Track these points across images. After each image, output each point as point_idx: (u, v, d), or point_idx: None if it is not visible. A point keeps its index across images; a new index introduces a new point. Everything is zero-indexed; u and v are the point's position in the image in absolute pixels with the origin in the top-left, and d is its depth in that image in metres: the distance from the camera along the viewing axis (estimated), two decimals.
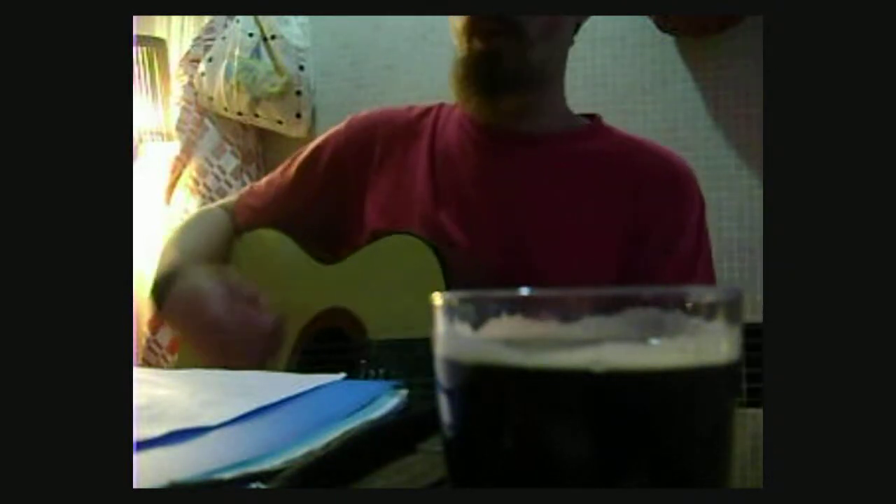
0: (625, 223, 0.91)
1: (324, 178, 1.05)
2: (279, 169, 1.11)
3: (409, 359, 0.77)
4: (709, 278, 0.94)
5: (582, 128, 0.99)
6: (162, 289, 0.92)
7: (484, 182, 0.95)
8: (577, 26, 0.99)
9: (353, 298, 0.90)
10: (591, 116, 1.01)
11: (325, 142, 1.07)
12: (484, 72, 0.89)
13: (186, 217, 1.11)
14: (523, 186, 0.94)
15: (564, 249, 0.91)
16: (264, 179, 1.13)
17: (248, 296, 0.88)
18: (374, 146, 1.03)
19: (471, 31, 0.89)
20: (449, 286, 0.81)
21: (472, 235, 0.92)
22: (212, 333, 0.86)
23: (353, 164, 1.03)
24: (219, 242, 1.06)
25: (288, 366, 0.91)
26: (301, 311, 0.93)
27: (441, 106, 1.04)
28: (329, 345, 0.90)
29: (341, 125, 1.08)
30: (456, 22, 0.91)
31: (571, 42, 0.99)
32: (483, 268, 0.91)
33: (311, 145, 1.08)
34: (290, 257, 0.99)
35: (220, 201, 1.19)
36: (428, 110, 1.04)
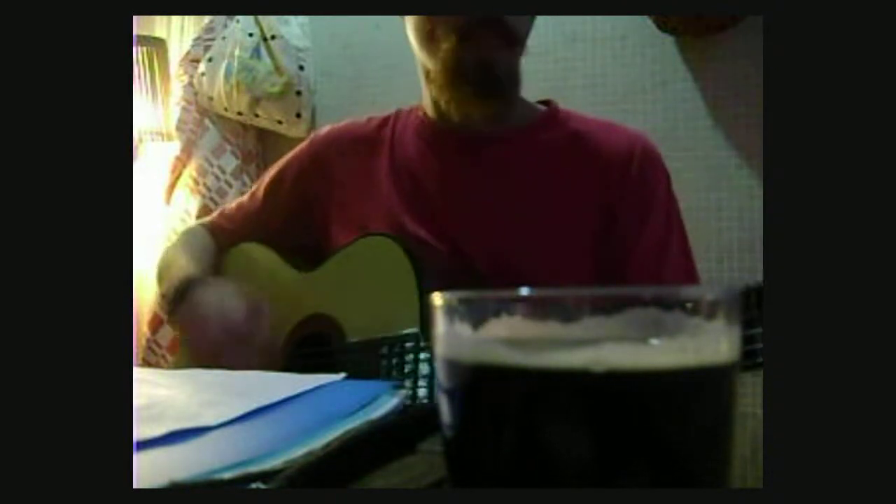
0: (595, 206, 0.92)
1: (289, 199, 1.06)
2: (249, 192, 1.13)
3: (373, 358, 0.79)
4: (683, 248, 0.95)
5: (540, 117, 0.99)
6: (180, 293, 0.93)
7: (449, 187, 0.96)
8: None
9: (330, 303, 0.91)
10: (547, 102, 1.01)
11: (289, 164, 1.08)
12: (478, 78, 0.89)
13: (175, 236, 1.13)
14: (489, 186, 0.94)
15: (539, 241, 0.92)
16: (235, 202, 1.15)
17: (255, 309, 0.90)
18: (335, 164, 1.04)
19: (461, 35, 0.87)
20: (422, 283, 0.82)
21: (444, 241, 0.93)
22: (219, 343, 0.87)
23: (316, 183, 1.04)
24: (211, 256, 1.08)
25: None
26: (284, 320, 0.94)
27: (398, 113, 1.05)
28: (311, 350, 0.91)
29: (304, 145, 1.09)
30: (426, 24, 0.89)
31: None
32: (459, 265, 0.91)
33: (276, 167, 1.10)
34: (271, 268, 1.00)
35: (198, 221, 1.22)
36: (385, 120, 1.05)
